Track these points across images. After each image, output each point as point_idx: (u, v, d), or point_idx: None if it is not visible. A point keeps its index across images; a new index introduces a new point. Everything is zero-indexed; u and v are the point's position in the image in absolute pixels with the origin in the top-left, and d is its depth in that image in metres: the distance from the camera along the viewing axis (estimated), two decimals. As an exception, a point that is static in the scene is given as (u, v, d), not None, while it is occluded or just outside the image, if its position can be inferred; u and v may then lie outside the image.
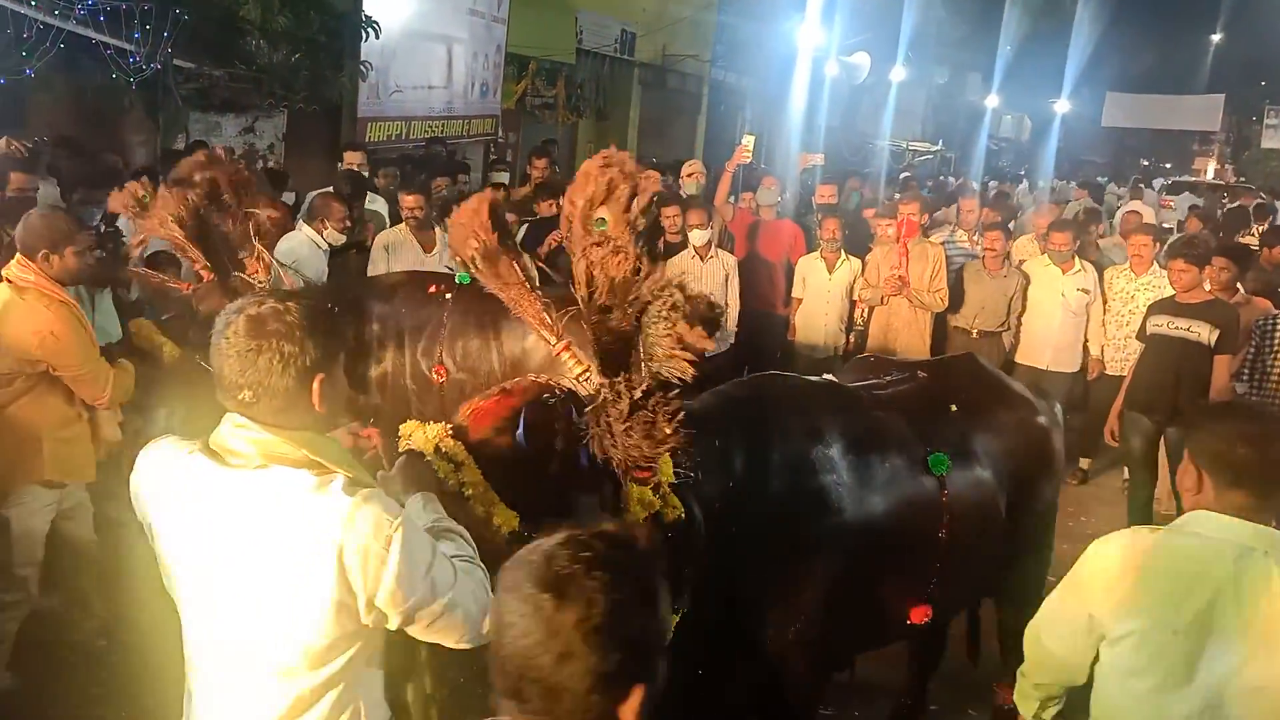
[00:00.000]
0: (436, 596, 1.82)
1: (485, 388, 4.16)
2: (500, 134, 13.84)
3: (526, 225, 6.47)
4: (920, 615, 3.15)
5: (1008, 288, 6.93)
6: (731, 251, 7.15)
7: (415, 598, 1.79)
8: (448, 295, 4.33)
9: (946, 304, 6.75)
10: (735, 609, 2.81)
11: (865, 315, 7.10)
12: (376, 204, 6.96)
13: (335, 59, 9.76)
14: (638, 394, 2.34)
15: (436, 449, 2.30)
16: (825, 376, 3.53)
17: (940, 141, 20.29)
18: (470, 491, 2.28)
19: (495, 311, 4.37)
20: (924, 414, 3.32)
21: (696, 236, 6.74)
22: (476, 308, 4.35)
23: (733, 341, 6.94)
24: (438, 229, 6.03)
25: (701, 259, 6.80)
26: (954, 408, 3.41)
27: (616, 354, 2.42)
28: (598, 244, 2.39)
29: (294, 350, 1.78)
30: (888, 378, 3.59)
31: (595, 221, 2.45)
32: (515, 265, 2.59)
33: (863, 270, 7.08)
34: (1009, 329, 7.03)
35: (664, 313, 2.37)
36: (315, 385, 1.82)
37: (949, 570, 3.16)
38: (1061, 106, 24.88)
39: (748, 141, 7.95)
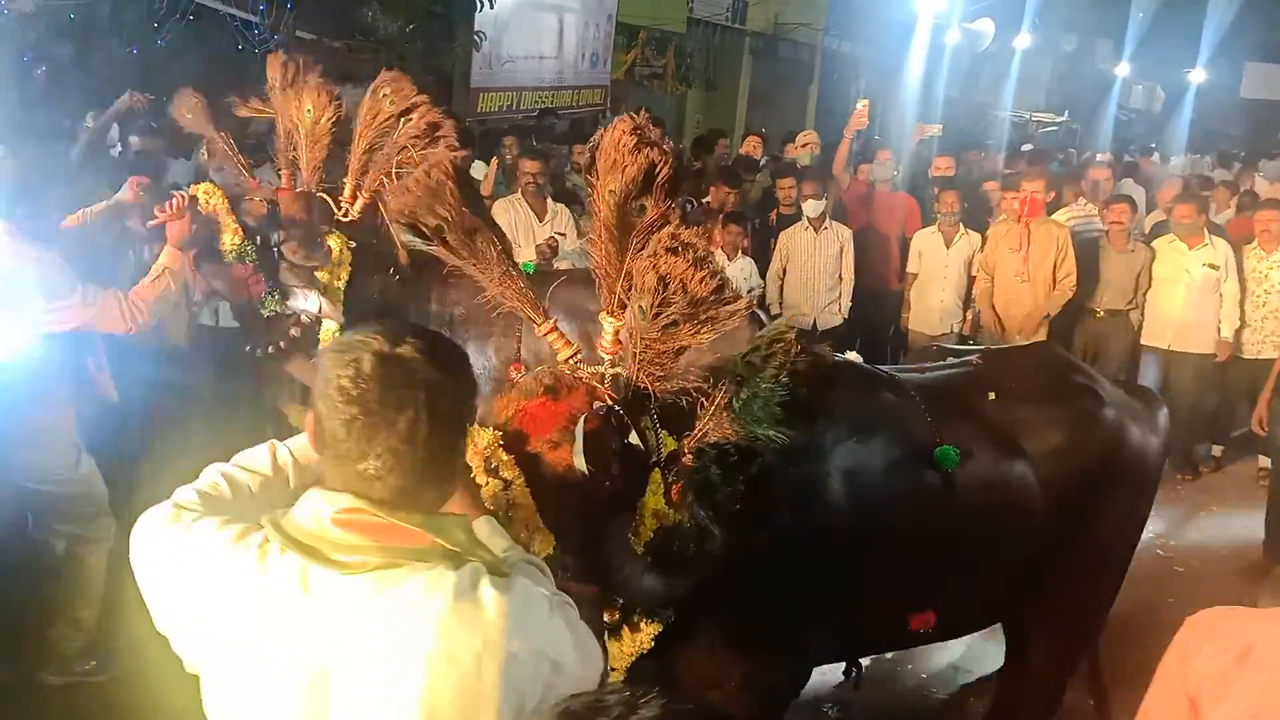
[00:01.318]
0: (597, 669, 1.52)
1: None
2: (608, 105, 13.81)
3: None
4: (921, 623, 2.81)
5: (1135, 264, 6.59)
6: (845, 224, 6.97)
7: (589, 681, 1.46)
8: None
9: (1075, 290, 6.41)
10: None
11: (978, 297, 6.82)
12: (476, 168, 7.00)
13: (449, 29, 9.85)
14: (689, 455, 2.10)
15: (486, 463, 1.97)
16: (848, 355, 3.26)
17: (1066, 112, 19.45)
18: (515, 515, 1.97)
19: (573, 298, 4.17)
20: (953, 403, 2.96)
21: (811, 207, 6.60)
22: (561, 296, 4.30)
23: (846, 317, 6.79)
24: (549, 198, 6.04)
25: (815, 231, 6.67)
26: (992, 396, 3.02)
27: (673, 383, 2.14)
28: (672, 250, 2.08)
29: (449, 408, 1.37)
30: (936, 363, 3.30)
31: (634, 210, 2.16)
32: (493, 241, 2.24)
33: (981, 247, 6.81)
34: (1136, 307, 6.70)
35: (777, 372, 2.09)
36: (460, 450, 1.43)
37: (951, 578, 2.80)
38: (1197, 76, 23.54)
39: (863, 105, 7.70)
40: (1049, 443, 2.99)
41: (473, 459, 1.93)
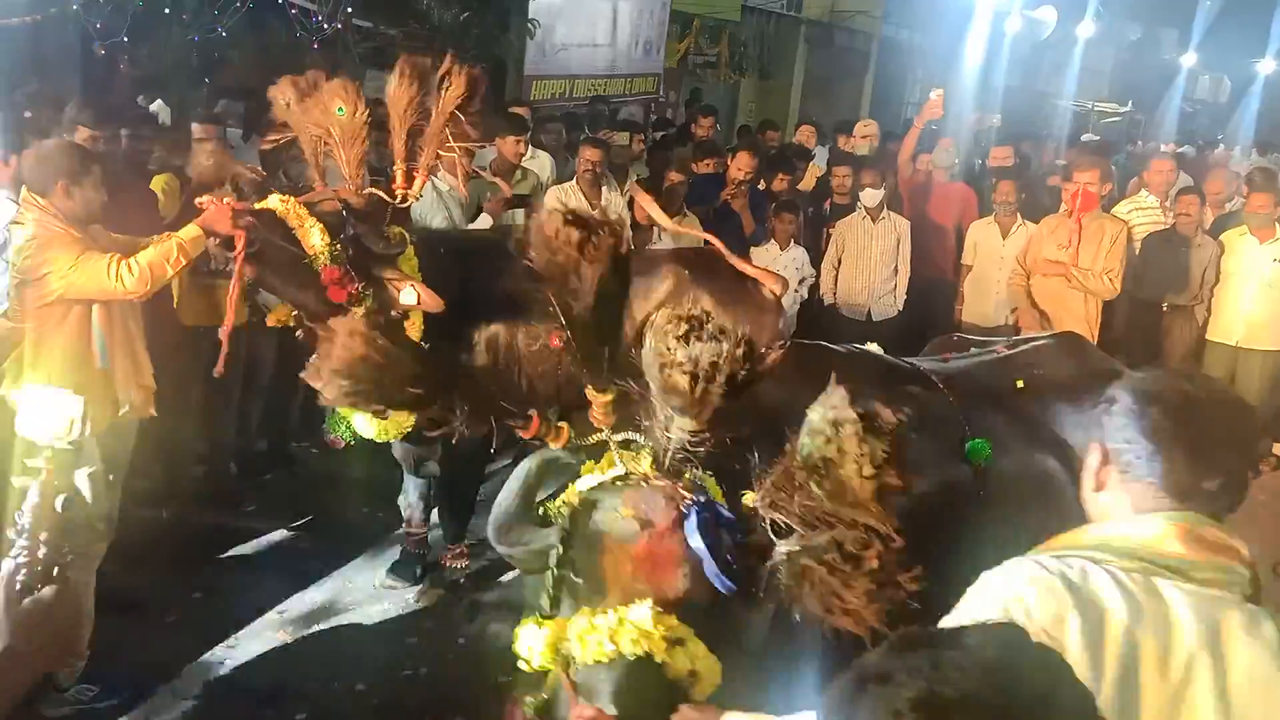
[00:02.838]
0: None
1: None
2: (661, 93, 13.76)
3: (690, 182, 6.40)
4: None
5: (1201, 258, 6.41)
6: (900, 214, 6.89)
7: None
8: None
9: (1118, 288, 5.95)
10: None
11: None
12: (536, 161, 7.02)
13: (504, 17, 9.89)
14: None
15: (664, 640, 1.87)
16: (869, 345, 3.19)
17: (1129, 103, 19.00)
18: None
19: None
20: (980, 393, 2.85)
21: (869, 196, 6.53)
22: None
23: (901, 308, 6.72)
24: (604, 186, 6.04)
25: (873, 220, 6.60)
26: (1020, 384, 2.92)
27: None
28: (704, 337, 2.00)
29: None
30: (961, 353, 3.18)
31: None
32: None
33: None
34: (1202, 302, 6.52)
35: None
36: None
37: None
38: (1266, 67, 22.88)
39: (937, 95, 7.53)
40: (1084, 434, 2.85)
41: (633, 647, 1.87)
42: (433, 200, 5.04)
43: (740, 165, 6.62)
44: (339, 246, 3.56)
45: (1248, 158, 12.41)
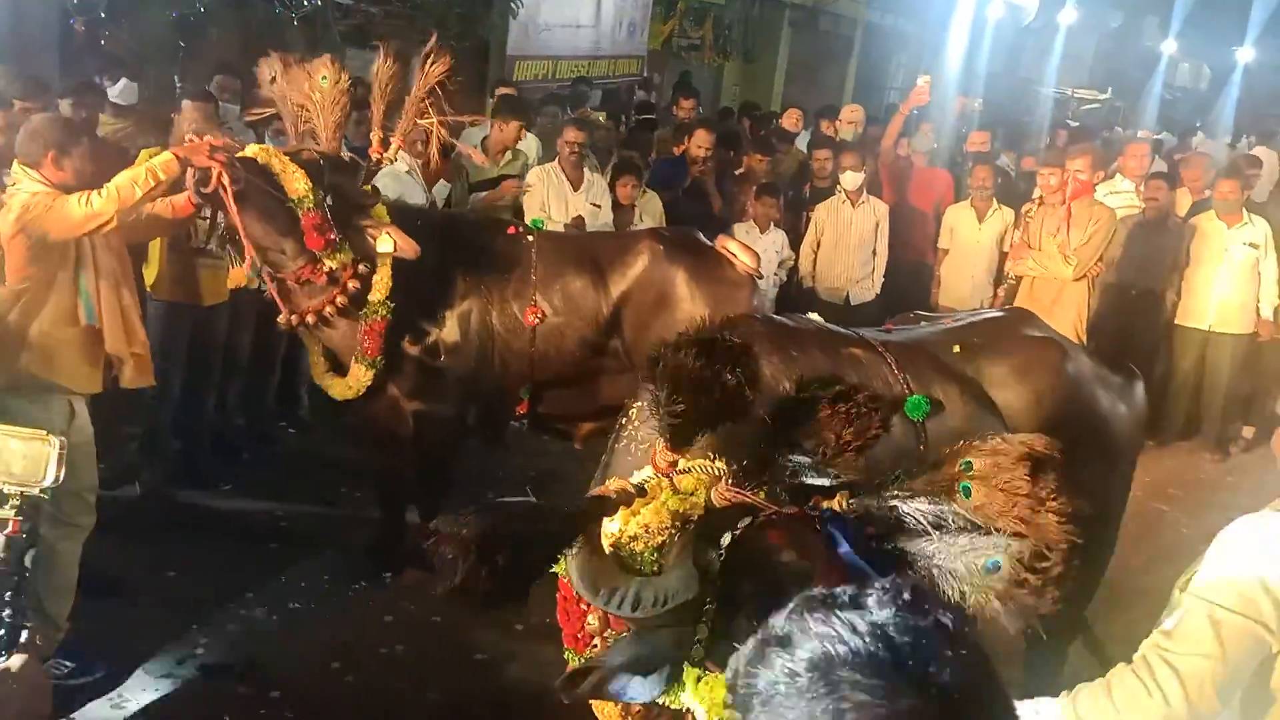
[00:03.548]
0: None
1: (592, 331, 4.22)
2: (646, 75, 13.72)
3: (657, 164, 6.48)
4: None
5: (1170, 243, 6.48)
6: (879, 198, 6.92)
7: None
8: (530, 237, 4.33)
9: (1081, 272, 5.89)
10: None
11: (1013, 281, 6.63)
12: (524, 142, 7.00)
13: (487, -4, 9.84)
14: None
15: None
16: (810, 315, 3.30)
17: (1109, 90, 19.08)
18: None
19: (590, 251, 4.38)
20: (920, 356, 2.96)
21: (849, 180, 6.56)
22: (568, 249, 4.40)
23: (879, 292, 6.75)
24: (587, 168, 6.04)
25: (853, 204, 6.63)
26: (957, 349, 3.01)
27: None
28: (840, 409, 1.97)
29: None
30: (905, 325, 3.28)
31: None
32: None
33: (1016, 223, 6.71)
34: (1172, 287, 6.60)
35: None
36: None
37: None
38: (1245, 55, 23.00)
39: (924, 82, 7.57)
40: (1012, 392, 2.99)
41: None
42: (392, 181, 5.04)
43: (698, 143, 6.68)
44: (320, 193, 3.72)
45: (1237, 145, 12.54)
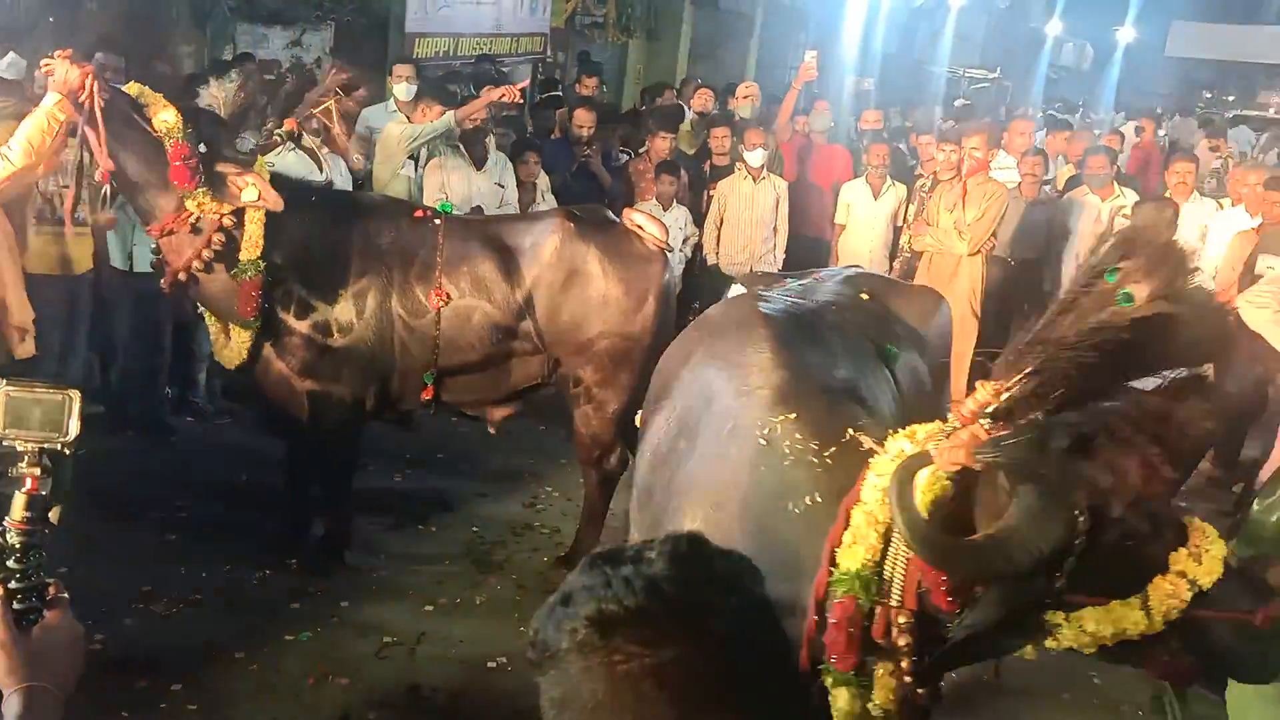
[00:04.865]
0: None
1: (501, 314, 4.20)
2: (549, 53, 13.62)
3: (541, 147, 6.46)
4: None
5: (1046, 216, 6.77)
6: (781, 175, 7.05)
7: None
8: (437, 221, 4.30)
9: (976, 247, 6.17)
10: None
11: (911, 256, 6.85)
12: (443, 120, 6.90)
13: (384, -30, 9.65)
14: None
15: None
16: (734, 287, 3.47)
17: (998, 69, 19.68)
18: None
19: (499, 234, 4.36)
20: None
21: (753, 157, 6.66)
22: (476, 232, 4.37)
23: (780, 267, 6.88)
24: (489, 146, 6.00)
25: (754, 180, 6.73)
26: (866, 295, 3.17)
27: None
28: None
29: None
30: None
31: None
32: None
33: (908, 199, 6.92)
34: (1049, 258, 6.89)
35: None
36: None
37: None
38: (1125, 35, 23.99)
39: (810, 58, 7.71)
40: (915, 322, 3.22)
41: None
42: (294, 160, 4.96)
43: (579, 122, 6.73)
44: (190, 129, 3.74)
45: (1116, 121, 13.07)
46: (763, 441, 2.30)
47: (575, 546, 4.57)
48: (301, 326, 4.07)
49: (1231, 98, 27.86)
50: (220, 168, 3.83)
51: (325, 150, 5.29)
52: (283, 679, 3.70)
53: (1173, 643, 1.90)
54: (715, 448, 2.43)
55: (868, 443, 2.18)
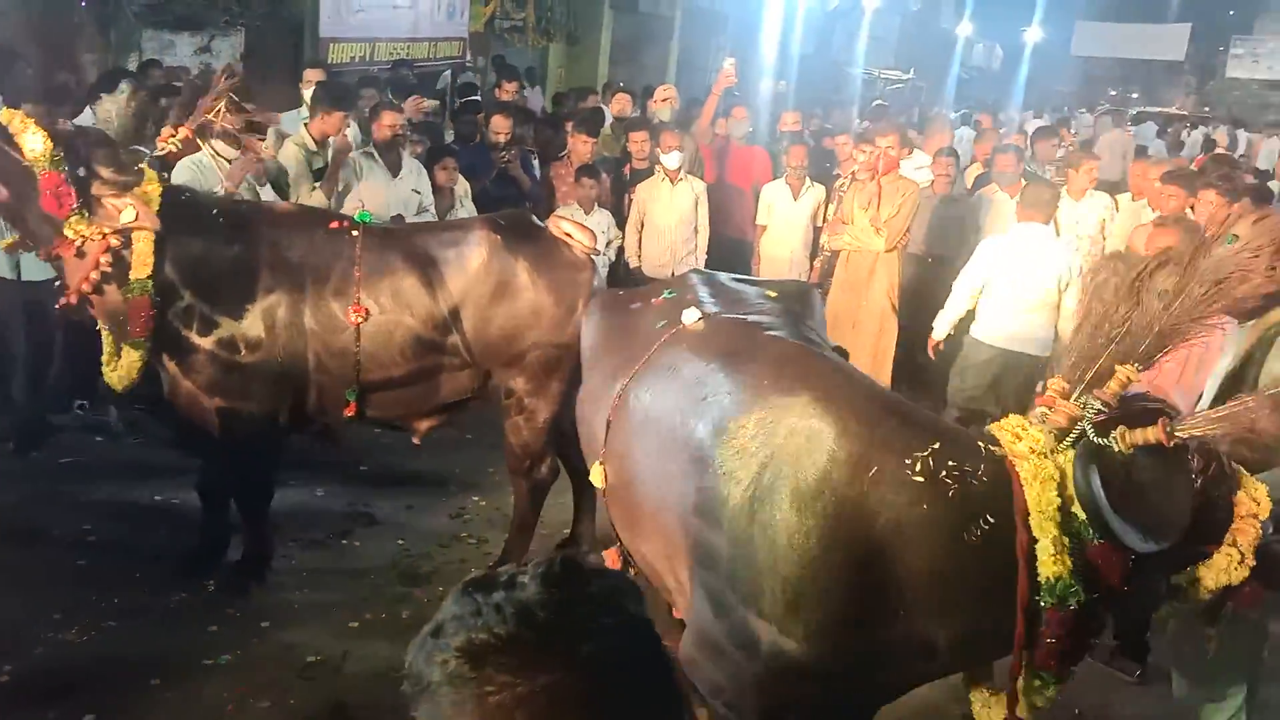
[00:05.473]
0: None
1: (425, 329, 4.10)
2: (468, 58, 13.52)
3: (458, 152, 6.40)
4: None
5: (958, 213, 6.94)
6: (701, 177, 7.09)
7: None
8: (354, 232, 4.16)
9: (893, 244, 6.33)
10: None
11: (829, 255, 6.95)
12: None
13: (295, -26, 9.47)
14: None
15: None
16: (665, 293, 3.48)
17: (913, 70, 20.12)
18: None
19: (422, 245, 4.23)
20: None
21: (670, 160, 6.69)
22: (397, 244, 4.24)
23: (703, 269, 6.92)
24: (405, 153, 5.91)
25: (672, 183, 6.75)
26: (774, 294, 3.32)
27: None
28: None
29: None
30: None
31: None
32: None
33: (828, 199, 7.02)
34: (961, 255, 7.04)
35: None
36: None
37: None
38: (1032, 35, 24.74)
39: (730, 64, 7.80)
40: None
41: None
42: (192, 173, 4.81)
43: (495, 128, 6.72)
44: (60, 156, 3.63)
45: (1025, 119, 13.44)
46: (920, 479, 2.27)
47: (504, 557, 4.53)
48: (206, 344, 3.95)
49: (1135, 94, 28.86)
50: (97, 189, 3.72)
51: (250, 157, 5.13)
52: (202, 705, 3.59)
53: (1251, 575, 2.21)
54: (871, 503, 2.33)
55: (1004, 446, 2.28)
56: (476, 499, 5.32)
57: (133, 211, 3.72)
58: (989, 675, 2.63)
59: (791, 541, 2.29)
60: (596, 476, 3.07)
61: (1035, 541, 2.17)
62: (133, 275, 3.80)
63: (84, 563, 4.40)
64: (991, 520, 2.22)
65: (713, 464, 2.47)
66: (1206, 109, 27.37)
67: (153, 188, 3.84)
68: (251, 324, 3.98)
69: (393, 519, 5.05)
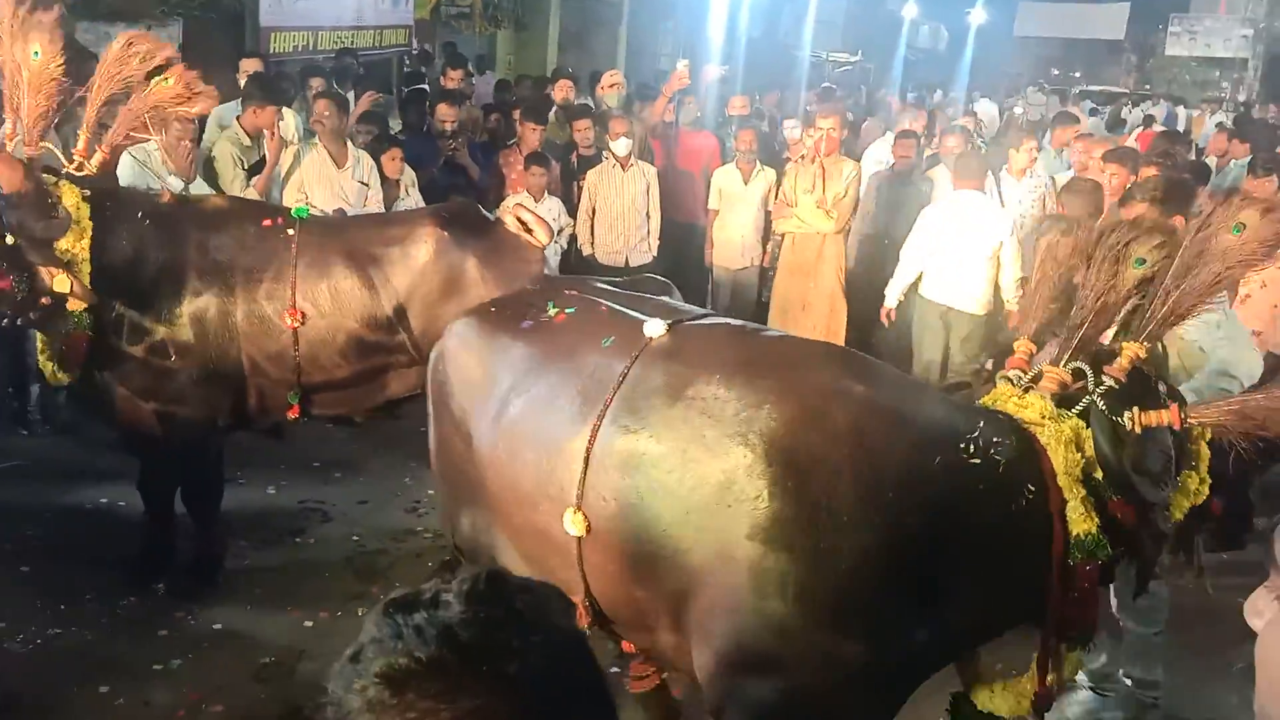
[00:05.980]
0: None
1: (369, 331, 3.97)
2: (414, 45, 13.32)
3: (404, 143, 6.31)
4: None
5: (917, 196, 6.99)
6: (651, 163, 7.07)
7: None
8: (290, 230, 4.00)
9: (842, 225, 6.49)
10: None
11: (779, 239, 7.00)
12: (282, 123, 6.66)
13: (233, -38, 9.26)
14: None
15: None
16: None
17: (860, 52, 20.21)
18: None
19: (364, 241, 4.08)
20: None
21: (619, 146, 6.66)
22: (336, 241, 4.09)
23: (656, 254, 6.91)
24: (350, 144, 5.80)
25: (623, 169, 6.73)
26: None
27: None
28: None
29: None
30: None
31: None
32: None
33: (778, 182, 7.04)
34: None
35: None
36: None
37: None
38: (977, 16, 24.97)
39: (683, 66, 7.87)
40: None
41: None
42: (132, 169, 4.68)
43: (441, 116, 6.69)
44: None
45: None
46: (976, 461, 2.36)
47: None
48: (137, 351, 3.82)
49: (1078, 74, 29.28)
50: (30, 257, 3.54)
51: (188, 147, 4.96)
52: (153, 712, 3.52)
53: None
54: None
55: (1027, 413, 2.47)
56: (431, 493, 5.27)
57: (65, 281, 3.55)
58: (990, 673, 2.71)
59: (871, 546, 2.26)
60: (575, 525, 2.58)
61: (1066, 502, 2.34)
62: (71, 307, 3.65)
63: (27, 569, 4.29)
64: (1033, 488, 2.37)
65: (767, 483, 2.31)
66: (1147, 86, 27.86)
67: (76, 203, 3.65)
68: (181, 329, 3.86)
69: (347, 514, 4.99)
